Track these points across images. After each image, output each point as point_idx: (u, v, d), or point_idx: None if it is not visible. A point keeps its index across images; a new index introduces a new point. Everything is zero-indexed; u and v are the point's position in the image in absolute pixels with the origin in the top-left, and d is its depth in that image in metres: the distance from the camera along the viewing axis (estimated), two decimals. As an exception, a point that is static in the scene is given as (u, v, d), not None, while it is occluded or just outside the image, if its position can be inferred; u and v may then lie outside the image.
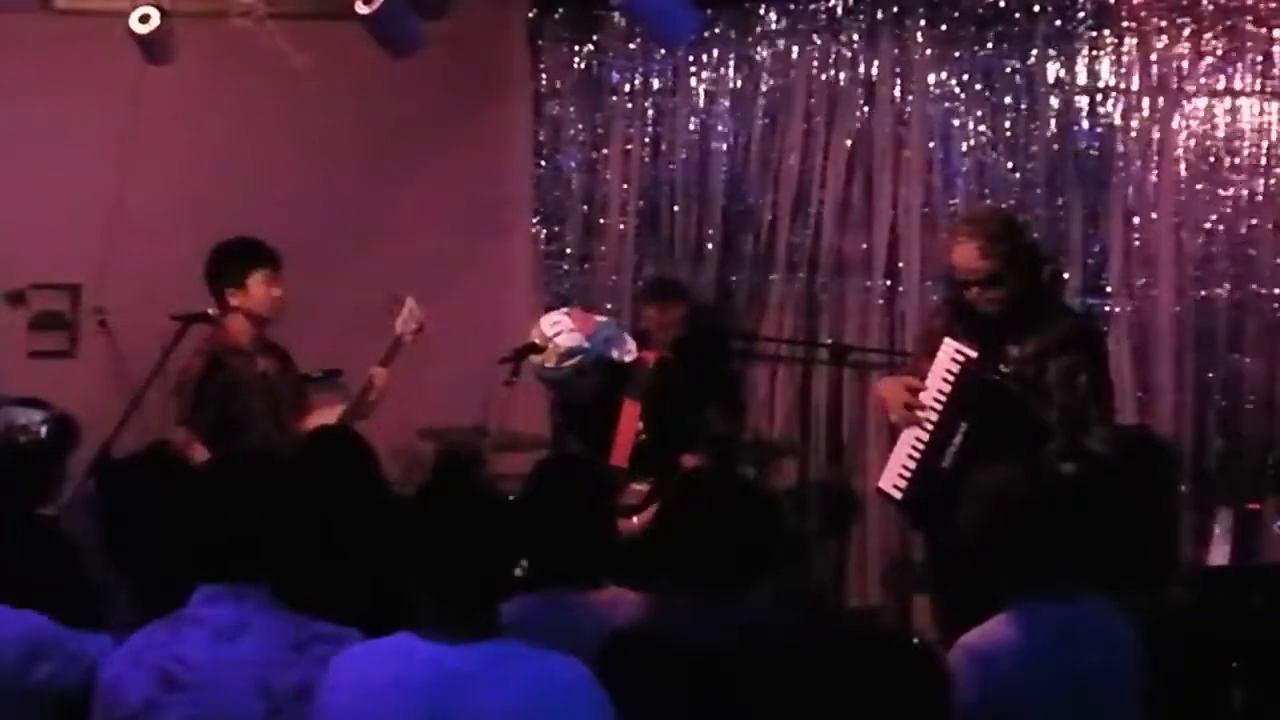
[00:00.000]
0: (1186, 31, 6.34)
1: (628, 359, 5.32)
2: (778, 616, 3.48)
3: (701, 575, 3.41)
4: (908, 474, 5.16)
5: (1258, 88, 6.27)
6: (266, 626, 3.05)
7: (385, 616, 3.09)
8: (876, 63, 6.92)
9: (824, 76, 7.03)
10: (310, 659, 3.03)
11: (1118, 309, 6.62)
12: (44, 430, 4.13)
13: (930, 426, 5.09)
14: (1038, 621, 3.48)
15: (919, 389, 5.12)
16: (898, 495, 5.22)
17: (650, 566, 3.63)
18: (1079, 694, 3.44)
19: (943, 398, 5.06)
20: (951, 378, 5.05)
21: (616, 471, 5.21)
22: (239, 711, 2.97)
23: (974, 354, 5.01)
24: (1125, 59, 6.49)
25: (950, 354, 5.07)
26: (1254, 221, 6.27)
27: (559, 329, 5.25)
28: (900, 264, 6.94)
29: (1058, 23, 6.58)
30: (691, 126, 7.36)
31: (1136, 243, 6.41)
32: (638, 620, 3.56)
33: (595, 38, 7.50)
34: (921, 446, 5.10)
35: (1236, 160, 6.32)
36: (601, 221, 7.58)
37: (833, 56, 7.01)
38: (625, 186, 7.50)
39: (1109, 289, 6.65)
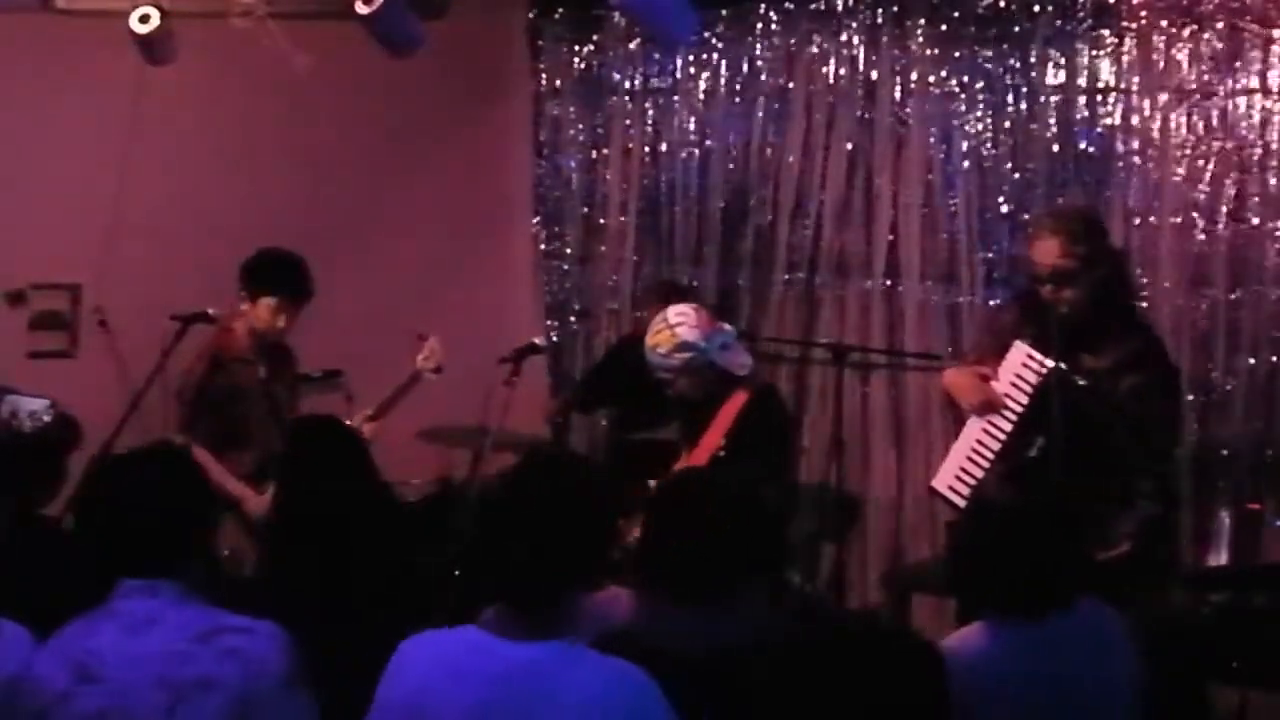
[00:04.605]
0: (1186, 31, 6.33)
1: (740, 373, 5.27)
2: (772, 620, 3.44)
3: (693, 581, 3.37)
4: (972, 482, 4.89)
5: (1258, 87, 6.26)
6: (175, 619, 3.06)
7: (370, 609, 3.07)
8: (876, 63, 6.92)
9: (824, 76, 7.04)
10: (216, 650, 3.04)
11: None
12: (49, 417, 4.10)
13: (1003, 436, 4.87)
14: (1019, 627, 3.44)
15: (991, 378, 4.93)
16: (960, 502, 4.88)
17: (641, 572, 3.59)
18: (1063, 700, 3.38)
19: (1019, 406, 4.84)
20: (1029, 387, 4.82)
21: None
22: (142, 703, 3.00)
23: (1052, 364, 4.75)
24: (1125, 59, 6.48)
25: (1022, 358, 4.86)
26: (1254, 221, 6.27)
27: (683, 321, 5.25)
28: (900, 264, 6.93)
29: (1058, 23, 6.57)
30: (691, 126, 7.37)
31: (1136, 243, 6.40)
32: (628, 627, 3.54)
33: (595, 38, 7.51)
34: (990, 455, 4.88)
35: (1236, 160, 6.31)
36: (601, 221, 7.59)
37: (833, 56, 7.01)
38: (625, 186, 7.51)
39: (1109, 289, 6.64)
